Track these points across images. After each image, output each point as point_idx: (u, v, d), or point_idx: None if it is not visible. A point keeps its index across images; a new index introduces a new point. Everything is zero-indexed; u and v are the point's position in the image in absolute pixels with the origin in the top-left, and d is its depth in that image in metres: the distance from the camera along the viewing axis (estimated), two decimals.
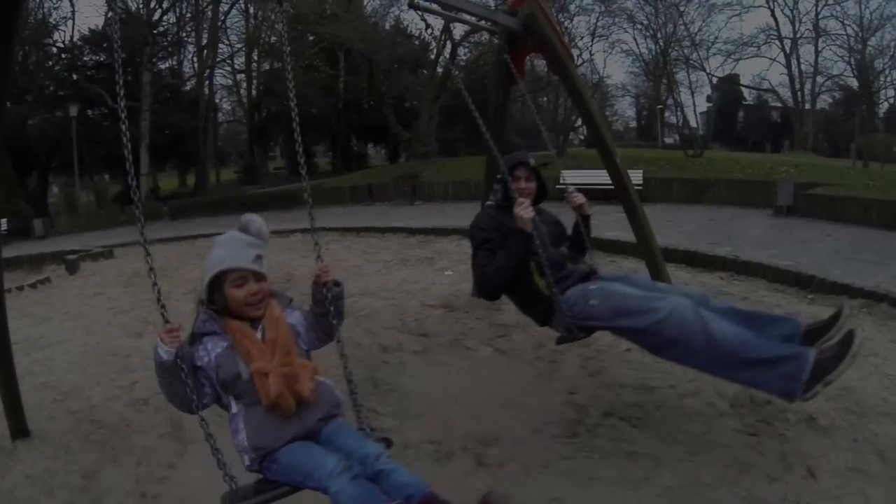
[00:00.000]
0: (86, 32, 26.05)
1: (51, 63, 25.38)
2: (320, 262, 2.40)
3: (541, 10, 4.27)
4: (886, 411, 3.64)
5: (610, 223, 10.41)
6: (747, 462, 3.14)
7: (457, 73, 15.53)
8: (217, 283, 2.20)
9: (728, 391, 3.96)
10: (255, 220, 2.35)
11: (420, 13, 3.90)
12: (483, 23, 4.52)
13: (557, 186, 15.33)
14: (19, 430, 3.76)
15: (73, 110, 20.10)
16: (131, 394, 4.38)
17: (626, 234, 8.64)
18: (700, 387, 4.05)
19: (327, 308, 2.31)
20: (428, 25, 8.93)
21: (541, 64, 21.01)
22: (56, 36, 25.93)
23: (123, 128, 2.25)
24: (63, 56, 25.54)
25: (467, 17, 4.68)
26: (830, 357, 2.53)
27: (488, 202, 3.57)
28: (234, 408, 2.19)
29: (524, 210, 2.97)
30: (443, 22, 22.31)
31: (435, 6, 4.03)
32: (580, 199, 3.60)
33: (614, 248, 8.66)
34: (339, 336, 2.43)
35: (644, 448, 3.29)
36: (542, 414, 3.75)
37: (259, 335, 2.17)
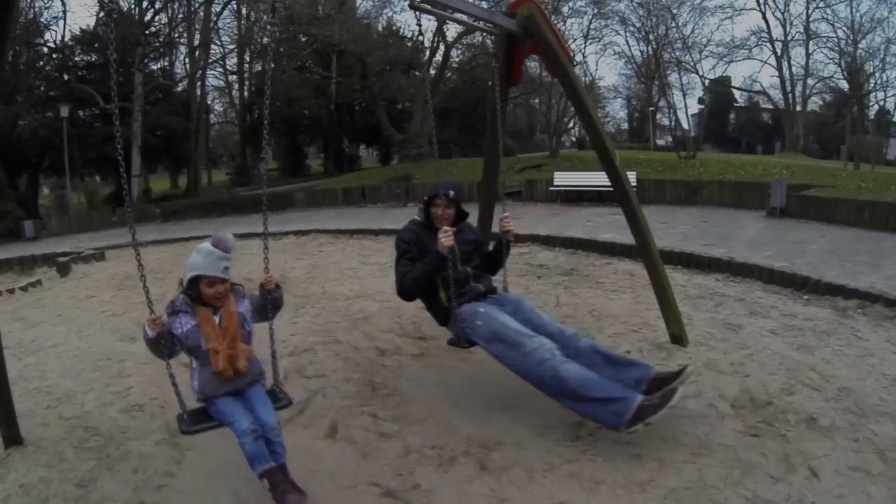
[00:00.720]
0: (77, 32, 25.88)
1: (42, 63, 25.12)
2: (267, 273, 3.26)
3: (539, 11, 4.26)
4: (885, 411, 3.67)
5: (604, 225, 10.48)
6: (750, 463, 3.15)
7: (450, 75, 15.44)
8: (195, 280, 3.05)
9: (728, 393, 3.98)
10: (225, 239, 3.08)
11: (417, 14, 3.89)
12: (481, 24, 4.49)
13: (551, 188, 15.36)
14: (12, 437, 3.69)
15: (64, 111, 19.91)
16: (126, 399, 4.32)
17: (621, 237, 8.69)
18: (700, 388, 4.06)
19: (267, 305, 3.28)
20: (420, 33, 8.82)
21: (532, 66, 21.03)
22: (47, 36, 25.73)
23: (117, 131, 2.57)
24: (54, 56, 25.29)
25: (466, 18, 4.67)
26: (652, 405, 3.15)
27: (414, 218, 4.05)
28: (194, 364, 3.10)
29: (446, 238, 3.50)
30: (436, 24, 22.35)
31: (435, 7, 4.01)
32: (510, 227, 4.00)
33: (610, 250, 8.65)
34: (272, 319, 3.35)
35: (647, 450, 3.29)
36: (544, 417, 3.72)
37: (217, 320, 3.04)
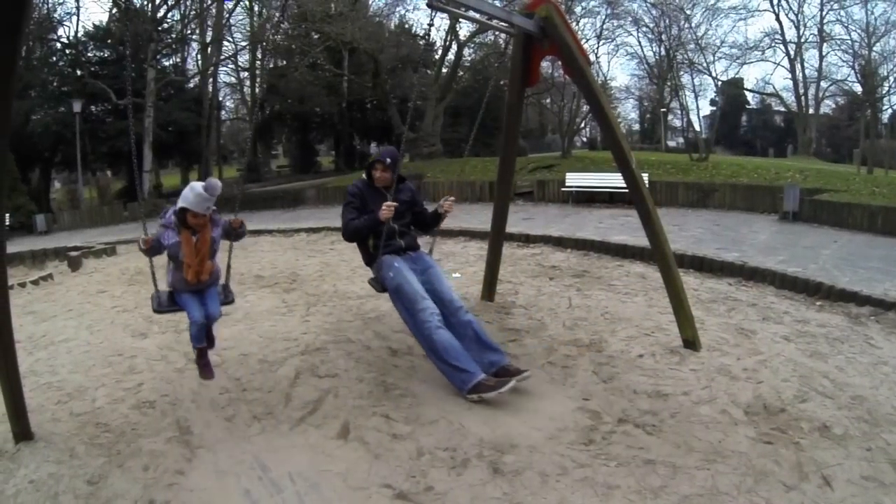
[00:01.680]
0: (90, 28, 26.02)
1: (55, 58, 25.30)
2: (236, 217, 4.20)
3: (558, 12, 4.23)
4: None
5: (616, 227, 10.45)
6: (763, 471, 3.13)
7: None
8: (183, 209, 3.88)
9: (741, 399, 3.96)
10: (215, 187, 3.84)
11: (431, 12, 3.92)
12: (498, 23, 4.47)
13: (563, 189, 15.31)
14: (23, 432, 3.67)
15: (77, 106, 20.01)
16: (137, 396, 4.30)
17: (634, 239, 8.67)
18: (714, 394, 4.04)
19: (232, 235, 4.20)
20: (429, 32, 8.83)
21: (544, 65, 20.96)
22: (60, 31, 25.89)
23: (131, 125, 3.07)
24: (67, 52, 25.43)
25: (483, 17, 4.65)
26: (488, 386, 3.91)
27: (363, 176, 4.75)
28: (172, 266, 4.08)
29: (387, 212, 4.23)
30: (448, 22, 22.31)
31: (452, 5, 3.99)
32: (449, 208, 4.75)
33: (623, 252, 8.62)
34: (232, 245, 4.35)
35: (661, 456, 3.27)
36: (557, 421, 3.71)
37: (195, 240, 3.96)
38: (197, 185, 3.90)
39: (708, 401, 3.94)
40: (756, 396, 3.98)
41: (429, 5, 3.75)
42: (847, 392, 4.05)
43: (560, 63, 4.82)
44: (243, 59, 33.63)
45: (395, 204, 4.27)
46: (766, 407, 3.84)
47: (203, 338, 4.20)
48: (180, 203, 3.90)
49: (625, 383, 4.23)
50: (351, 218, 4.49)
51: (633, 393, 4.08)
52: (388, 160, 4.55)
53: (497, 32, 22.13)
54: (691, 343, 4.83)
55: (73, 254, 10.14)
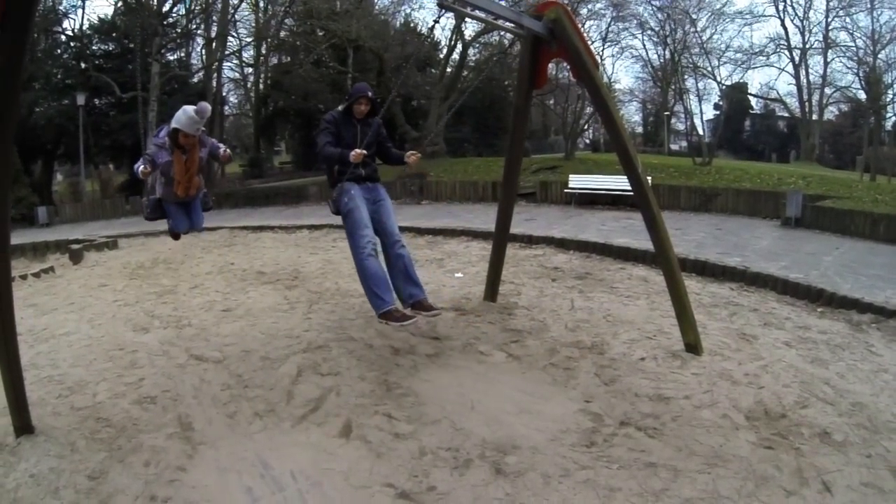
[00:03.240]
0: (95, 21, 25.97)
1: (59, 51, 25.24)
2: (225, 151, 4.96)
3: (567, 14, 4.23)
4: None
5: (619, 229, 10.45)
6: (764, 475, 3.15)
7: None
8: (176, 130, 4.32)
9: (743, 404, 3.97)
10: (205, 110, 4.32)
11: (438, 11, 3.94)
12: (507, 24, 4.47)
13: (566, 190, 15.29)
14: (23, 426, 3.67)
15: (81, 99, 20.02)
16: (138, 391, 4.30)
17: (636, 242, 8.67)
18: (715, 398, 4.05)
19: (218, 162, 4.93)
20: (433, 29, 8.78)
21: (549, 67, 20.96)
22: (65, 24, 25.81)
23: (142, 116, 2.74)
24: (72, 44, 25.37)
25: (492, 18, 4.65)
26: (395, 317, 4.38)
27: (339, 107, 5.00)
28: (163, 180, 4.63)
29: (357, 156, 4.50)
30: (454, 22, 22.29)
31: (462, 6, 4.01)
32: (414, 161, 4.99)
33: (625, 255, 8.62)
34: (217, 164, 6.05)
35: (662, 459, 3.28)
36: (559, 422, 3.72)
37: (184, 159, 4.46)
38: (189, 108, 4.38)
39: (709, 405, 3.95)
40: (757, 401, 3.99)
41: (439, 4, 3.76)
42: (848, 399, 4.06)
43: (567, 65, 4.81)
44: (248, 54, 33.62)
45: (364, 152, 4.59)
46: (767, 412, 3.85)
47: (180, 233, 5.30)
48: (173, 124, 4.39)
49: (626, 386, 4.24)
50: (327, 141, 4.82)
51: (634, 396, 4.09)
52: (371, 94, 4.95)
53: (502, 33, 22.14)
54: (693, 347, 4.84)
55: (75, 247, 10.16)
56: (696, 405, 3.95)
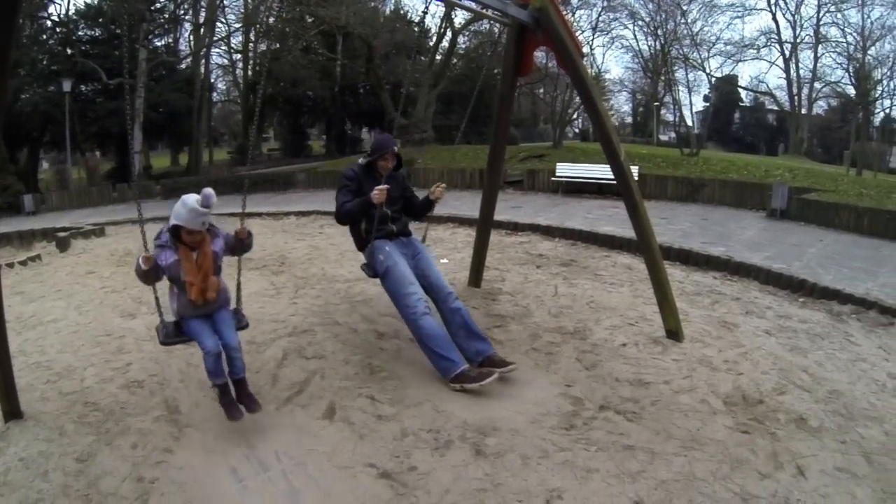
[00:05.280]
0: (81, 6, 25.63)
1: (45, 37, 24.88)
2: (243, 225, 3.81)
3: (552, 3, 4.25)
4: (873, 415, 3.73)
5: (604, 218, 10.51)
6: (740, 459, 3.21)
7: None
8: (177, 227, 3.50)
9: (721, 389, 4.04)
10: (209, 197, 3.43)
11: (428, 1, 3.94)
12: (492, 13, 4.49)
13: (553, 179, 15.34)
14: (12, 411, 3.70)
15: (67, 85, 19.76)
16: (125, 375, 4.33)
17: (621, 230, 8.73)
18: (694, 384, 4.12)
19: (238, 248, 3.82)
20: (424, 18, 8.74)
21: (539, 56, 20.94)
22: (51, 9, 25.44)
23: (129, 104, 2.44)
24: (57, 30, 25.01)
25: (478, 7, 4.66)
26: (470, 377, 3.96)
27: (360, 160, 4.65)
28: (174, 289, 3.66)
29: (380, 195, 4.16)
30: (444, 10, 22.22)
31: None
32: (439, 195, 4.70)
33: (610, 243, 8.70)
34: (240, 259, 4.01)
35: (640, 442, 3.35)
36: (540, 405, 3.79)
37: (195, 256, 3.56)
38: (189, 199, 3.48)
39: (688, 390, 4.02)
40: (735, 387, 4.07)
41: None
42: (825, 386, 4.13)
43: (553, 54, 4.84)
44: (236, 40, 33.36)
45: (387, 186, 4.24)
46: (745, 398, 3.92)
47: (221, 371, 3.57)
48: (172, 220, 3.51)
49: (607, 371, 4.31)
50: (345, 201, 4.45)
51: (615, 380, 4.16)
52: (396, 148, 4.59)
53: (492, 21, 22.08)
54: (674, 334, 4.91)
55: (62, 234, 10.07)
56: (675, 390, 4.02)
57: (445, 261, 7.69)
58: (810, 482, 3.02)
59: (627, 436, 3.41)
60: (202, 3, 26.96)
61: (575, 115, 29.94)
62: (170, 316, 3.76)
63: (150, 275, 3.53)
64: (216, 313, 3.72)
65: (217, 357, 3.52)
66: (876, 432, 3.51)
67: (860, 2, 30.25)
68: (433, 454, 3.26)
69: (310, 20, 25.02)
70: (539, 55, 20.52)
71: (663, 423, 3.57)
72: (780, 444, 3.37)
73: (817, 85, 37.06)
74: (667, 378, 4.20)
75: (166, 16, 26.17)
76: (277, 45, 29.22)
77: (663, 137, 41.68)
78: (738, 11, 33.88)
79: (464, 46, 29.18)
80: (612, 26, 29.34)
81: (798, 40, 35.13)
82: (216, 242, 3.70)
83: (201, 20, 26.98)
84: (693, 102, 46.74)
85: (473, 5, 4.72)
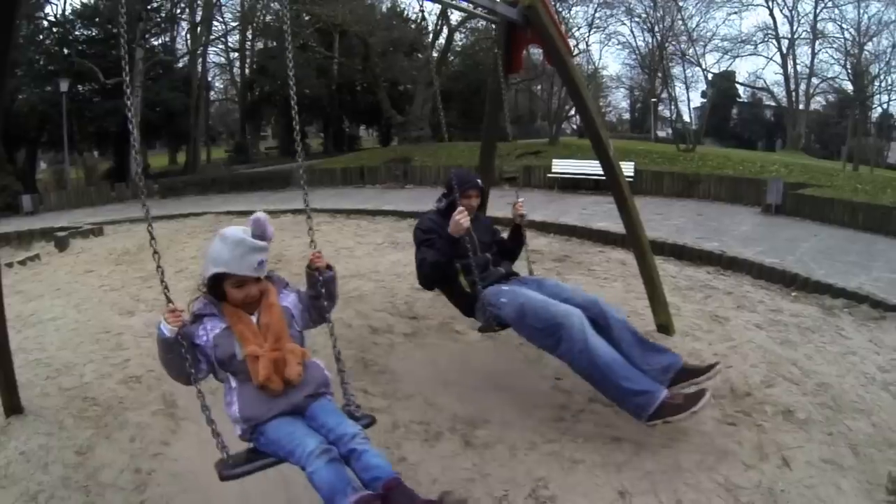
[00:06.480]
0: (78, 6, 25.65)
1: (41, 37, 24.89)
2: (314, 247, 2.52)
3: (542, 2, 4.29)
4: (861, 408, 3.75)
5: (600, 213, 10.54)
6: (725, 450, 3.24)
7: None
8: (217, 278, 2.31)
9: (709, 382, 4.07)
10: (262, 223, 2.35)
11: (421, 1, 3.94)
12: (481, 11, 4.52)
13: (549, 175, 15.34)
14: (13, 406, 3.78)
15: (64, 85, 19.78)
16: (124, 371, 4.41)
17: (615, 226, 8.74)
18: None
19: (320, 291, 2.48)
20: (423, 18, 8.79)
21: (536, 53, 20.97)
22: (48, 9, 25.45)
23: (128, 103, 2.38)
24: (54, 30, 25.03)
25: (466, 4, 4.68)
26: (676, 405, 3.05)
27: (433, 208, 3.95)
28: (232, 383, 2.34)
29: (462, 217, 3.35)
30: (440, 7, 22.23)
31: None
32: (523, 212, 4.03)
33: (604, 238, 8.74)
34: (329, 317, 2.56)
35: (626, 434, 3.39)
36: (529, 398, 3.83)
37: (254, 318, 2.32)
38: (232, 231, 2.31)
39: None
40: (724, 380, 4.06)
41: None
42: (813, 379, 4.15)
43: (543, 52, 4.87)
44: (233, 39, 33.41)
45: (464, 210, 3.42)
46: (733, 390, 3.94)
47: (347, 480, 2.09)
48: (211, 268, 2.29)
49: None
50: (424, 257, 3.62)
51: None
52: (480, 181, 3.88)
53: (482, 19, 22.09)
54: (665, 328, 4.94)
55: (60, 234, 10.12)
56: (708, 400, 4.01)
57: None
58: (795, 473, 3.04)
59: (614, 428, 3.46)
60: (199, 2, 26.99)
61: (571, 112, 29.98)
62: (233, 439, 2.35)
63: (180, 348, 2.19)
64: (311, 405, 2.35)
65: (331, 457, 2.10)
66: (863, 424, 3.53)
67: None
68: (423, 445, 3.31)
69: (306, 18, 25.05)
70: (536, 52, 20.53)
71: None
72: (766, 435, 3.39)
73: (814, 81, 37.17)
74: None
75: (163, 14, 26.17)
76: (274, 44, 29.27)
77: (661, 134, 41.72)
78: (735, 7, 33.89)
79: (461, 44, 29.23)
80: (609, 22, 29.42)
81: (795, 36, 35.25)
82: (285, 296, 2.49)
83: (198, 19, 27.01)
84: (691, 98, 46.84)
85: (463, 3, 4.75)
